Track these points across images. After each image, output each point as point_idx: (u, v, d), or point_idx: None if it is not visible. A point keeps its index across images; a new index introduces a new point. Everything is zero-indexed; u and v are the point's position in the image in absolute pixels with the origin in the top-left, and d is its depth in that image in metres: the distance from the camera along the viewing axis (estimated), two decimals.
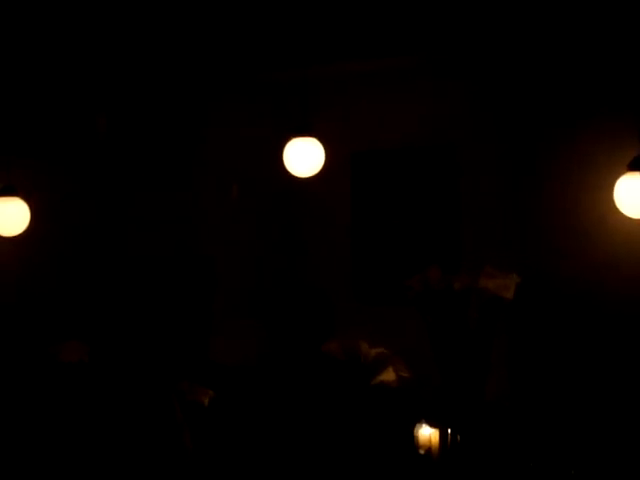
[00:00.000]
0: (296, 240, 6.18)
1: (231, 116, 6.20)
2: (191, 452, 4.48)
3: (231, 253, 6.15)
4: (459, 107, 5.72)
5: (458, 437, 4.65)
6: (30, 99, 5.77)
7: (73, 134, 6.00)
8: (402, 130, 5.85)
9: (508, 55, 5.52)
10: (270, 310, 4.75)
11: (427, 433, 4.77)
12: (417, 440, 4.78)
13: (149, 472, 4.41)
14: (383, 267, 5.90)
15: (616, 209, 4.83)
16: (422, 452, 4.75)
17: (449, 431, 4.69)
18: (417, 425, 4.81)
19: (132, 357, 5.01)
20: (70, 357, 4.68)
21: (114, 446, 4.50)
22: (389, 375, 4.74)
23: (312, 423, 4.41)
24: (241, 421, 4.47)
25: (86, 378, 4.68)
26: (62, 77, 5.79)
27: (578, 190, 5.35)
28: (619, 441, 4.91)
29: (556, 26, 5.21)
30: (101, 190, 6.15)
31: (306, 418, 4.36)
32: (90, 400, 4.61)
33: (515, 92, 5.56)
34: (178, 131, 6.23)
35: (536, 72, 5.51)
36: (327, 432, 4.53)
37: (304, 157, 5.18)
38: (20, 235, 5.12)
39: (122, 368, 4.83)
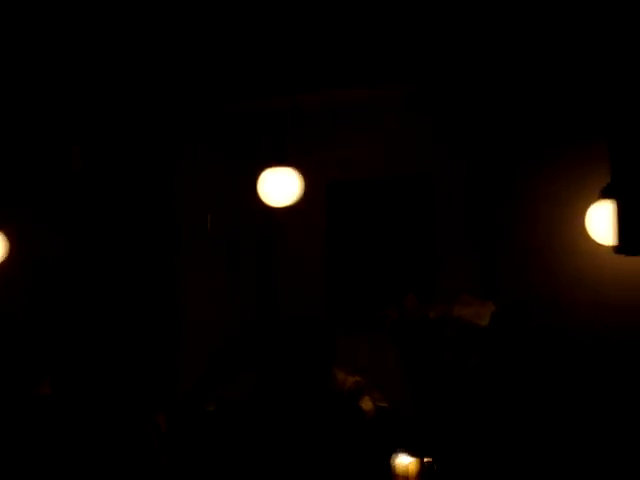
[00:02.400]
0: (271, 270, 6.19)
1: (205, 146, 6.22)
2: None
3: (204, 284, 6.15)
4: (433, 138, 5.77)
5: (435, 466, 4.66)
6: (4, 133, 5.77)
7: (48, 167, 6.00)
8: (377, 160, 5.89)
9: (481, 87, 5.59)
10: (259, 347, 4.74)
11: (405, 462, 4.77)
12: (394, 469, 4.78)
13: None
14: (358, 296, 5.92)
15: (588, 236, 4.88)
16: None
17: (426, 460, 4.69)
18: (394, 454, 4.80)
19: (102, 390, 4.97)
20: (47, 390, 4.66)
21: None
22: (366, 404, 4.74)
23: (289, 450, 4.40)
24: (220, 451, 4.44)
25: (56, 411, 4.65)
26: (36, 110, 5.80)
27: (551, 219, 5.40)
28: (597, 468, 4.94)
29: (527, 58, 5.28)
30: (75, 223, 6.14)
31: (283, 447, 4.35)
32: (61, 434, 4.58)
33: (488, 122, 5.62)
34: (150, 163, 6.24)
35: (508, 102, 5.57)
36: (303, 462, 4.52)
37: (279, 187, 5.22)
38: None
39: (92, 400, 4.80)
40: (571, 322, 5.24)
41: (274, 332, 4.65)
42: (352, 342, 5.65)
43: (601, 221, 4.68)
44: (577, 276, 5.25)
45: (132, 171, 6.18)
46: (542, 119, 5.49)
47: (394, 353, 4.94)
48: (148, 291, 6.08)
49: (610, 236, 4.64)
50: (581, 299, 5.23)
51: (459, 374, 4.84)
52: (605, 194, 4.65)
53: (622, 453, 5.00)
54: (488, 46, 5.23)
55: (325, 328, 4.66)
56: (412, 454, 4.75)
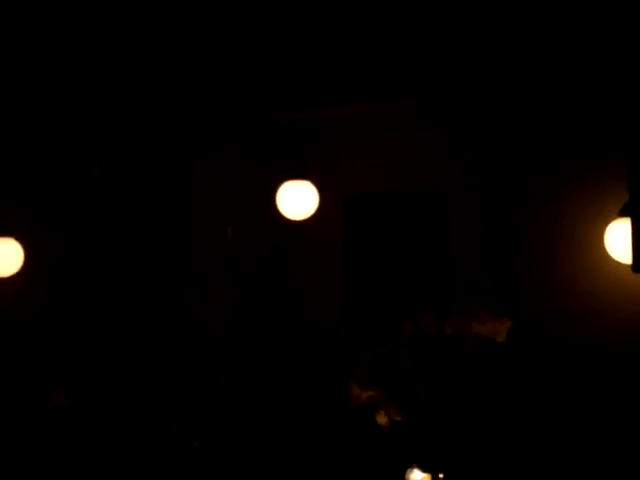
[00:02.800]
0: (288, 283, 6.19)
1: (222, 159, 6.23)
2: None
3: (220, 297, 6.15)
4: (450, 152, 5.77)
5: None
6: (23, 144, 5.80)
7: (66, 178, 6.02)
8: (394, 174, 5.89)
9: (498, 102, 5.58)
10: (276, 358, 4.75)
11: (419, 478, 4.76)
12: None
13: None
14: (375, 310, 5.92)
15: (606, 254, 4.87)
16: None
17: (440, 476, 4.68)
18: (409, 470, 4.79)
19: (118, 399, 4.98)
20: (62, 399, 4.67)
21: None
22: (381, 419, 4.74)
23: (304, 464, 4.40)
24: (235, 463, 4.45)
25: (72, 420, 4.66)
26: (56, 122, 5.82)
27: (569, 235, 5.38)
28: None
29: (546, 73, 5.28)
30: (91, 234, 6.15)
31: (298, 460, 4.35)
32: (77, 444, 4.59)
33: (504, 137, 5.62)
34: (170, 176, 6.25)
35: (525, 117, 5.57)
36: (319, 475, 4.51)
37: (298, 200, 5.23)
38: (13, 275, 5.13)
39: (108, 411, 4.81)
40: (588, 339, 5.22)
41: (291, 345, 4.66)
42: (368, 356, 5.65)
43: (620, 239, 4.67)
44: (595, 293, 5.23)
45: (149, 182, 6.19)
46: (560, 135, 5.48)
47: (410, 368, 4.93)
48: (164, 302, 6.09)
49: (628, 254, 4.64)
50: (599, 316, 5.21)
51: (475, 390, 4.83)
52: (623, 213, 4.65)
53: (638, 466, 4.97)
54: (506, 61, 5.23)
55: (341, 342, 4.66)
56: (426, 469, 4.74)
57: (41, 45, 5.36)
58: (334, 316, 5.93)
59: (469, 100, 5.63)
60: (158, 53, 5.40)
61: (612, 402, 5.17)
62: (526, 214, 5.53)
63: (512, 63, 5.23)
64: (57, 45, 5.37)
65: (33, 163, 5.91)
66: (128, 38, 5.35)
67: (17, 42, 5.33)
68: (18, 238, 5.28)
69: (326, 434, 4.46)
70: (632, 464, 4.97)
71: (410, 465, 4.78)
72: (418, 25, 5.20)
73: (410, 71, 5.40)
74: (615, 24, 4.89)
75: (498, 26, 5.11)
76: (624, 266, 4.70)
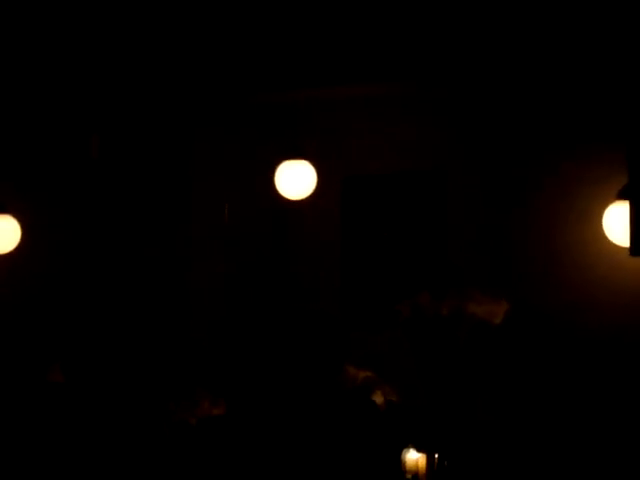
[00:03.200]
0: (285, 263, 6.19)
1: (221, 139, 6.21)
2: (179, 472, 4.47)
3: (218, 276, 6.15)
4: (449, 134, 5.77)
5: (445, 462, 4.65)
6: (23, 124, 5.79)
7: (65, 155, 6.01)
8: (393, 155, 5.89)
9: (498, 83, 5.57)
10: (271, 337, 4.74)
11: (414, 458, 4.77)
12: (404, 465, 4.77)
13: None
14: (372, 291, 5.92)
15: (604, 237, 4.87)
16: (409, 477, 4.74)
17: (436, 456, 4.69)
18: (404, 450, 4.80)
19: (115, 376, 4.98)
20: (59, 377, 4.67)
21: (102, 468, 4.47)
22: (377, 399, 4.74)
23: (299, 445, 4.40)
24: (232, 441, 4.45)
25: (68, 398, 4.65)
26: (54, 99, 5.81)
27: (567, 218, 5.39)
28: (606, 467, 4.93)
29: (545, 56, 5.27)
30: (92, 211, 6.15)
31: (295, 442, 4.35)
32: (73, 421, 4.58)
33: (505, 121, 5.61)
34: (168, 156, 6.24)
35: (525, 100, 5.56)
36: (313, 455, 4.52)
37: (295, 180, 5.22)
38: (11, 252, 5.13)
39: (104, 388, 4.80)
40: (585, 322, 5.23)
41: (287, 326, 4.66)
42: (365, 337, 5.66)
43: (618, 222, 4.68)
44: (592, 276, 5.24)
45: (148, 162, 6.19)
46: (559, 119, 5.48)
47: (407, 349, 4.94)
48: (161, 280, 6.09)
49: (626, 237, 4.64)
50: (596, 299, 5.22)
51: (471, 371, 4.83)
52: (622, 195, 4.64)
53: (634, 454, 4.99)
54: (506, 44, 5.22)
55: (338, 322, 4.66)
56: (422, 449, 4.75)
57: (42, 29, 5.36)
58: (331, 297, 5.94)
59: (468, 82, 5.61)
60: (159, 33, 5.39)
61: (609, 385, 5.19)
62: (524, 196, 5.53)
63: (511, 46, 5.22)
64: (58, 29, 5.36)
65: (32, 142, 5.90)
66: (129, 18, 5.34)
67: (19, 26, 5.32)
68: (16, 215, 5.27)
69: (322, 414, 4.46)
70: (628, 450, 4.99)
71: (406, 445, 4.80)
72: (417, 7, 5.19)
73: (408, 53, 5.39)
74: (612, 11, 4.88)
75: (499, 9, 5.10)
76: (622, 249, 4.71)
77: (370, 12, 5.25)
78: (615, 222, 4.69)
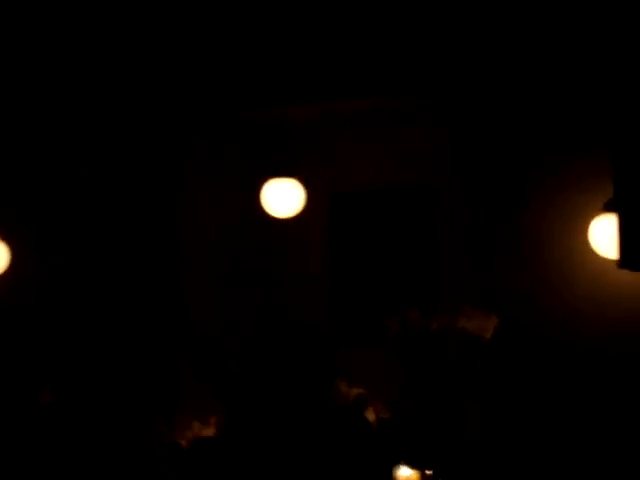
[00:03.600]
0: (273, 281, 6.18)
1: (207, 158, 6.22)
2: None
3: (206, 295, 6.14)
4: (436, 150, 5.78)
5: (439, 479, 4.65)
6: (9, 144, 5.78)
7: (53, 175, 6.01)
8: (380, 172, 5.90)
9: (483, 99, 5.60)
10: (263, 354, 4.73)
11: (407, 474, 4.76)
12: None
13: None
14: (361, 308, 5.92)
15: (591, 250, 4.88)
16: None
17: (429, 473, 4.69)
18: (396, 466, 4.79)
19: (104, 398, 4.96)
20: (48, 399, 4.65)
21: None
22: (369, 416, 4.74)
23: (293, 465, 4.39)
24: (224, 464, 4.43)
25: (57, 419, 4.63)
26: (42, 115, 5.80)
27: (553, 232, 5.41)
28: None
29: (529, 71, 5.29)
30: (81, 233, 6.14)
31: (287, 461, 4.34)
32: (63, 442, 4.56)
33: (489, 136, 5.64)
34: (154, 173, 6.23)
35: (510, 116, 5.58)
36: (306, 473, 4.51)
37: (283, 198, 5.23)
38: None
39: (93, 409, 4.78)
40: (573, 335, 5.24)
41: (276, 344, 4.65)
42: (355, 354, 5.65)
43: (604, 235, 4.69)
44: (580, 289, 5.26)
45: (136, 177, 6.19)
46: (544, 132, 5.50)
47: (396, 365, 4.94)
48: (150, 301, 6.08)
49: (613, 250, 4.65)
50: (583, 312, 5.24)
51: (462, 387, 4.83)
52: (608, 207, 4.66)
53: (624, 463, 5.00)
54: (491, 59, 5.24)
55: (326, 339, 4.65)
56: (414, 466, 4.75)
57: (34, 42, 5.34)
58: (319, 313, 5.93)
59: (455, 99, 5.64)
60: (147, 50, 5.39)
61: (597, 396, 5.19)
62: (512, 211, 5.55)
63: (499, 61, 5.24)
64: (49, 43, 5.34)
65: (19, 161, 5.89)
66: (121, 31, 5.33)
67: (11, 37, 5.31)
68: (3, 237, 5.25)
69: (314, 432, 4.45)
70: (615, 456, 4.99)
71: (398, 462, 4.79)
72: (406, 23, 5.20)
73: (398, 70, 5.41)
74: (603, 22, 4.90)
75: (487, 24, 5.12)
76: (609, 262, 4.72)
77: (352, 28, 5.26)
78: (602, 235, 4.70)
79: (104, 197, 6.17)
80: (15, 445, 4.59)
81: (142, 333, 5.97)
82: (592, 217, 4.86)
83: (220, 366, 4.64)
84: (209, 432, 4.99)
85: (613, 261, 4.72)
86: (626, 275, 4.48)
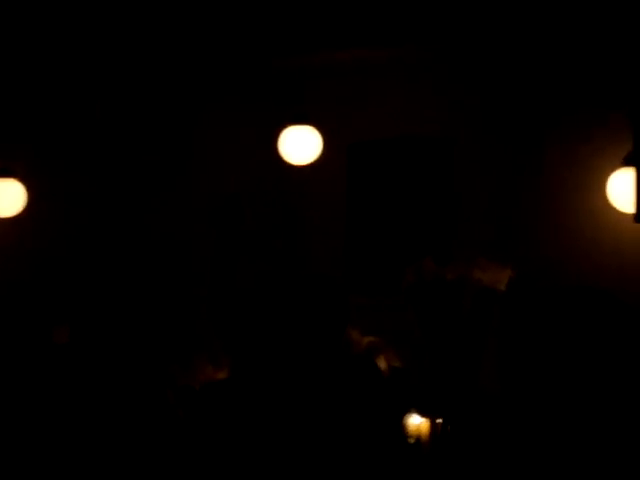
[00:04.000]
0: (291, 230, 6.19)
1: (226, 104, 6.20)
2: (183, 436, 4.48)
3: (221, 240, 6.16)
4: (456, 100, 5.74)
5: (448, 427, 4.67)
6: (28, 86, 5.78)
7: (70, 120, 6.01)
8: (399, 122, 5.87)
9: (504, 52, 5.55)
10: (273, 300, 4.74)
11: (417, 422, 4.79)
12: (407, 429, 4.79)
13: (141, 457, 4.41)
14: (376, 257, 5.92)
15: (609, 204, 4.86)
16: (412, 441, 4.77)
17: (439, 421, 4.70)
18: (407, 414, 4.82)
19: (120, 340, 5.00)
20: (64, 339, 4.69)
21: (105, 431, 4.49)
22: (380, 364, 4.75)
23: (303, 410, 4.42)
24: (236, 406, 4.46)
25: (74, 360, 4.67)
26: (60, 65, 5.80)
27: (572, 185, 5.38)
28: (614, 435, 4.93)
29: (551, 24, 5.24)
30: (98, 176, 6.16)
31: (298, 406, 4.37)
32: (77, 383, 4.60)
33: (511, 89, 5.59)
34: (174, 118, 6.23)
35: (531, 68, 5.53)
36: (316, 419, 4.53)
37: (300, 145, 5.21)
38: (17, 216, 5.15)
39: (109, 351, 4.82)
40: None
41: (289, 290, 4.66)
42: (370, 303, 5.67)
43: (622, 189, 4.66)
44: (597, 243, 5.23)
45: (152, 126, 6.18)
46: (564, 86, 5.45)
47: (410, 315, 4.94)
48: (164, 246, 6.11)
49: (631, 204, 4.63)
50: (600, 266, 5.21)
51: (475, 337, 4.84)
52: (628, 161, 4.63)
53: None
54: (510, 10, 5.19)
55: (339, 286, 4.65)
56: (424, 414, 4.77)
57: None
58: (335, 262, 5.94)
59: (475, 48, 5.59)
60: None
61: (613, 348, 5.18)
62: (530, 164, 5.52)
63: (523, 17, 5.19)
64: None
65: (36, 104, 5.89)
66: None
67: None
68: (21, 178, 5.27)
69: (325, 379, 4.47)
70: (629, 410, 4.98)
71: (409, 410, 4.81)
72: None
73: (411, 16, 5.36)
74: None
75: None
76: (626, 215, 4.70)
77: None
78: (620, 189, 4.68)
79: (120, 140, 6.17)
80: (31, 384, 4.64)
81: (158, 276, 6.00)
82: (611, 171, 4.84)
83: (233, 316, 4.66)
84: (223, 375, 5.02)
85: (630, 215, 4.70)
86: None
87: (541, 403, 5.13)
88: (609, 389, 4.98)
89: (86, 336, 4.75)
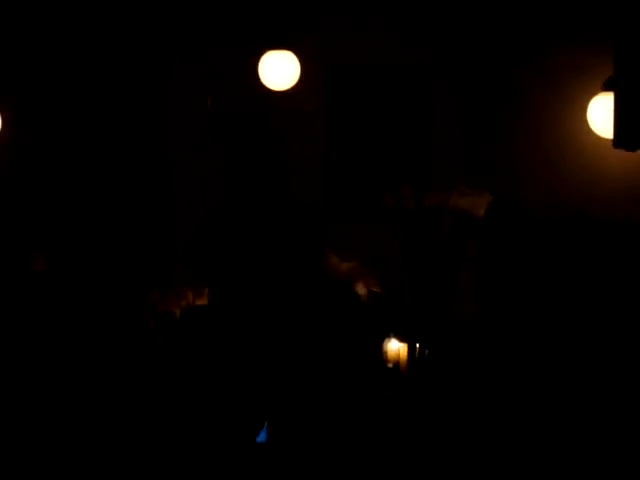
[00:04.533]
0: (268, 155, 6.15)
1: (202, 29, 6.13)
2: (164, 363, 4.50)
3: (201, 166, 6.14)
4: (434, 26, 5.69)
5: (426, 351, 4.71)
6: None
7: (42, 47, 5.93)
8: (377, 46, 5.82)
9: None
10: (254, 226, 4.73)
11: (395, 347, 4.83)
12: (385, 354, 4.84)
13: (120, 383, 4.43)
14: (355, 183, 5.91)
15: (589, 129, 4.85)
16: (390, 366, 4.81)
17: (417, 345, 4.74)
18: (386, 339, 4.86)
19: (99, 267, 4.99)
20: (40, 266, 4.67)
21: (84, 358, 4.51)
22: (360, 290, 4.78)
23: (283, 335, 4.44)
24: (214, 333, 4.48)
25: (51, 287, 4.66)
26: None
27: (551, 110, 5.36)
28: (589, 355, 4.97)
29: None
30: (70, 101, 6.10)
31: (278, 331, 4.39)
32: (56, 311, 4.60)
33: (488, 10, 5.53)
34: (148, 45, 6.15)
35: None
36: (295, 343, 4.56)
37: (279, 70, 5.17)
38: None
39: (88, 278, 4.81)
40: (569, 214, 5.23)
41: (268, 216, 4.65)
42: (349, 229, 5.67)
43: (602, 113, 4.64)
44: (576, 168, 5.24)
45: (126, 49, 6.11)
46: (544, 9, 5.40)
47: (389, 241, 4.95)
48: (143, 168, 6.08)
49: (611, 129, 4.61)
50: (579, 191, 5.23)
51: (453, 263, 4.85)
52: (607, 86, 4.60)
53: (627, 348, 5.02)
54: None
55: (317, 211, 4.64)
56: (403, 339, 4.81)
57: None
58: (314, 188, 5.93)
59: None
60: None
61: (589, 278, 5.21)
62: (509, 87, 5.49)
63: None
64: None
65: (9, 38, 5.82)
66: None
67: None
68: None
69: (304, 303, 4.49)
70: (616, 339, 5.00)
71: (387, 335, 4.85)
72: None
73: None
74: None
75: None
76: (605, 140, 4.69)
77: None
78: (599, 113, 4.66)
79: (93, 66, 6.10)
80: (10, 312, 4.63)
81: (137, 205, 5.97)
82: (591, 96, 4.81)
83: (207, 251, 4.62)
84: (203, 301, 5.04)
85: (610, 140, 4.69)
86: (623, 154, 4.46)
87: (517, 327, 5.18)
88: (586, 312, 5.02)
89: (64, 263, 4.73)
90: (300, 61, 5.31)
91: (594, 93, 4.76)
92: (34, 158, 5.91)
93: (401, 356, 4.79)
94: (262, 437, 4.17)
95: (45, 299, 4.60)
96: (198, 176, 6.12)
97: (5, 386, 4.51)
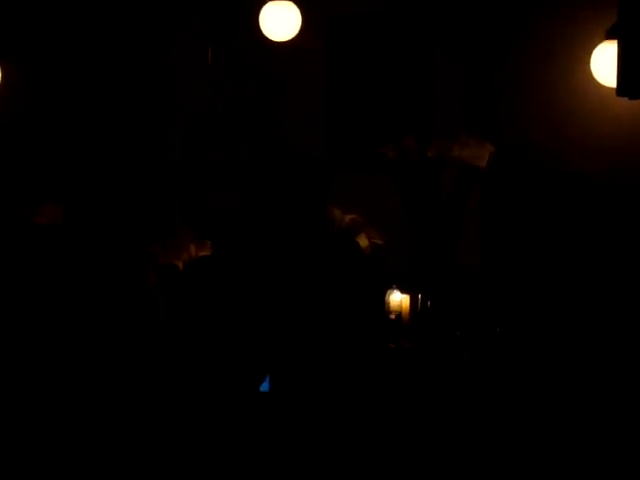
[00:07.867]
0: (271, 106, 6.14)
1: None
2: (163, 319, 4.51)
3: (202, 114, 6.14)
4: None
5: (428, 302, 4.72)
6: None
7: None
8: None
9: None
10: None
11: (398, 299, 4.84)
12: (388, 305, 4.85)
13: (119, 338, 4.44)
14: (357, 134, 5.89)
15: (592, 78, 4.81)
16: (392, 317, 4.83)
17: (419, 296, 4.76)
18: (388, 291, 4.87)
19: (106, 219, 4.96)
20: (44, 219, 4.66)
21: (84, 308, 4.50)
22: (362, 241, 4.78)
23: (286, 287, 4.45)
24: (220, 285, 4.48)
25: (59, 241, 4.64)
26: None
27: (555, 59, 5.32)
28: (586, 307, 4.99)
29: None
30: (77, 53, 6.08)
31: (281, 283, 4.39)
32: (62, 264, 4.59)
33: None
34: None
35: None
36: (298, 297, 4.56)
37: (280, 21, 5.14)
38: None
39: (96, 230, 4.79)
40: (570, 163, 5.22)
41: (270, 168, 4.64)
42: (351, 180, 5.66)
43: (605, 62, 4.60)
44: (579, 117, 5.21)
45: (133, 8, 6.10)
46: None
47: (392, 192, 4.95)
48: (145, 122, 6.08)
49: (614, 78, 4.57)
50: (582, 140, 5.20)
51: (455, 214, 4.85)
52: (610, 35, 4.55)
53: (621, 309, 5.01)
54: None
55: (321, 164, 4.63)
56: (406, 291, 4.82)
57: None
58: (317, 139, 5.91)
59: None
60: None
61: (593, 228, 5.20)
62: (512, 36, 5.44)
63: None
64: None
65: None
66: None
67: None
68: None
69: (306, 255, 4.48)
70: (614, 302, 4.99)
71: (390, 287, 4.87)
72: None
73: None
74: None
75: None
76: (608, 89, 4.65)
77: None
78: (603, 62, 4.61)
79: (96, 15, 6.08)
80: (11, 266, 4.62)
81: (138, 158, 5.96)
82: (594, 45, 4.77)
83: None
84: (206, 253, 5.03)
85: (613, 89, 4.65)
86: (626, 103, 4.43)
87: (519, 277, 5.18)
88: (586, 265, 5.01)
89: (82, 216, 4.70)
90: (301, 11, 5.27)
91: (598, 42, 4.72)
92: (36, 109, 5.91)
93: (403, 307, 4.81)
94: (265, 387, 4.18)
95: (47, 252, 4.58)
96: (197, 126, 6.12)
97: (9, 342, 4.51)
